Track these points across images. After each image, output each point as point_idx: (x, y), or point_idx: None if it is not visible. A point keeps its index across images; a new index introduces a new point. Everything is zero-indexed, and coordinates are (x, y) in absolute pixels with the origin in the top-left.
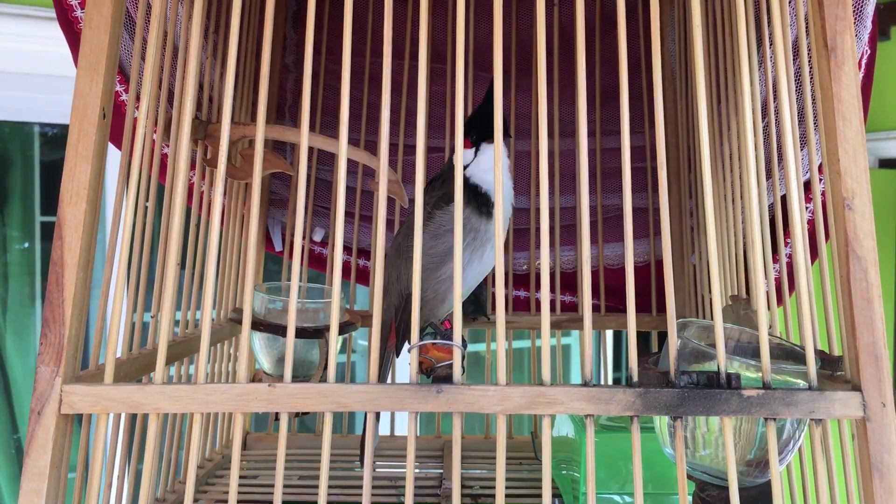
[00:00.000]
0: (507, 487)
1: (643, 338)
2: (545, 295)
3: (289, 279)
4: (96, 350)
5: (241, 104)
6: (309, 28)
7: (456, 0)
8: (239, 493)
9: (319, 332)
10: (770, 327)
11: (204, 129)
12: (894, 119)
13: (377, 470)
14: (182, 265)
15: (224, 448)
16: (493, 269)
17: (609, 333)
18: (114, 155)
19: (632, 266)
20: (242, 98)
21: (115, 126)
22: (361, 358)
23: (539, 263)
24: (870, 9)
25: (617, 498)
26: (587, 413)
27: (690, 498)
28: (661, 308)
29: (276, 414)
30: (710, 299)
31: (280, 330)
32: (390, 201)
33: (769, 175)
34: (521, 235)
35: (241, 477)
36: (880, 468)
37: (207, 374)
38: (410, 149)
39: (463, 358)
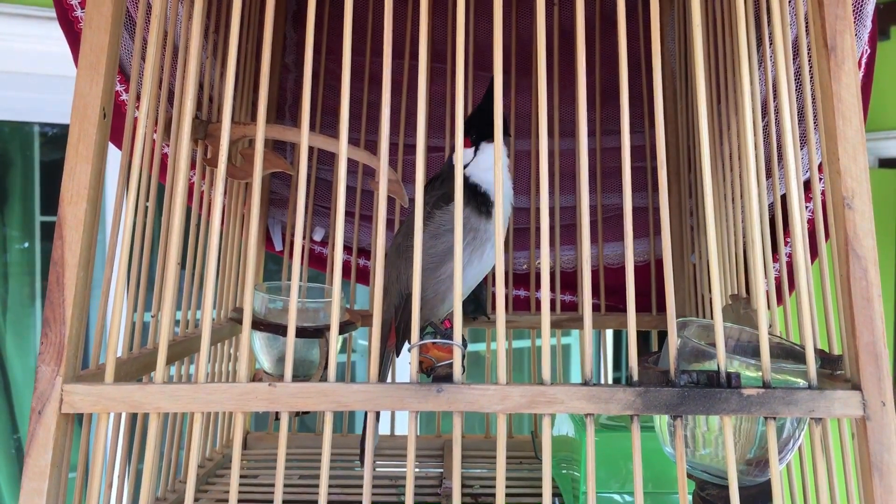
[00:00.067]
0: (507, 486)
1: (643, 337)
2: (545, 294)
3: (289, 279)
4: (97, 350)
5: (242, 104)
6: (309, 28)
7: (456, 0)
8: (239, 492)
9: (320, 332)
10: (770, 326)
11: (204, 129)
12: (894, 119)
13: (377, 469)
14: (182, 265)
15: (224, 447)
16: (493, 269)
17: (609, 333)
18: (114, 155)
19: (632, 265)
20: (242, 97)
21: (116, 126)
22: (361, 357)
23: (539, 263)
24: (869, 8)
25: (617, 497)
26: (587, 412)
27: (690, 497)
28: (661, 307)
29: (277, 413)
30: (710, 298)
31: (280, 329)
32: (390, 201)
33: (769, 174)
34: (521, 235)
35: (241, 476)
36: (880, 467)
37: (208, 374)
38: (410, 148)
39: (463, 357)
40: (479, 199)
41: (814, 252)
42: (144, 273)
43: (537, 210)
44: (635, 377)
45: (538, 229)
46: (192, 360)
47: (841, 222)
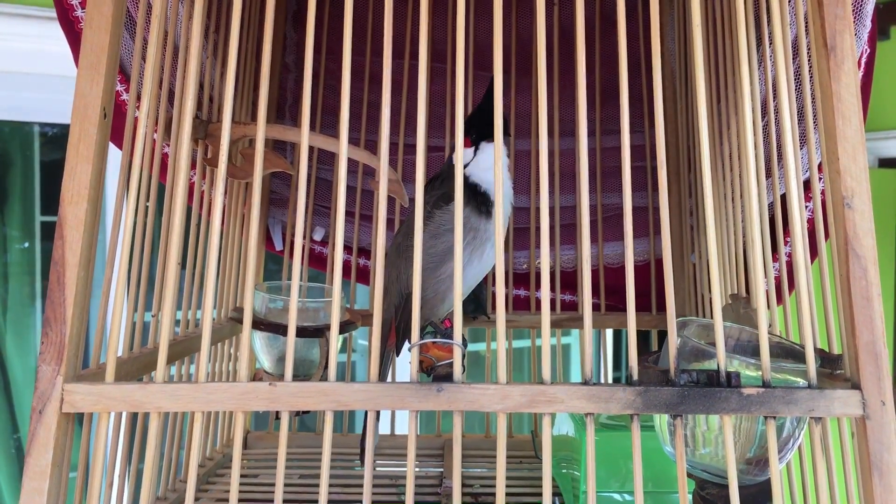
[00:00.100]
0: (507, 486)
1: (643, 337)
2: (545, 294)
3: (289, 278)
4: (97, 349)
5: (242, 103)
6: (309, 28)
7: (456, 0)
8: (240, 491)
9: (320, 332)
10: (770, 326)
11: (204, 129)
12: (894, 118)
13: (378, 469)
14: (183, 264)
15: (225, 447)
16: (493, 268)
17: (609, 332)
18: (114, 154)
19: (632, 265)
20: (243, 97)
21: (116, 126)
22: (361, 357)
23: (539, 262)
24: (869, 8)
25: (617, 496)
26: (587, 411)
27: (690, 496)
28: (661, 307)
29: (277, 413)
30: (710, 298)
31: (280, 329)
32: (390, 200)
33: (769, 174)
34: (521, 234)
35: (241, 476)
36: (880, 466)
37: (208, 374)
38: (410, 148)
39: (463, 357)
40: (478, 199)
41: (813, 252)
42: (145, 273)
43: (537, 209)
44: (635, 376)
45: (538, 229)
46: (192, 360)
47: (841, 222)
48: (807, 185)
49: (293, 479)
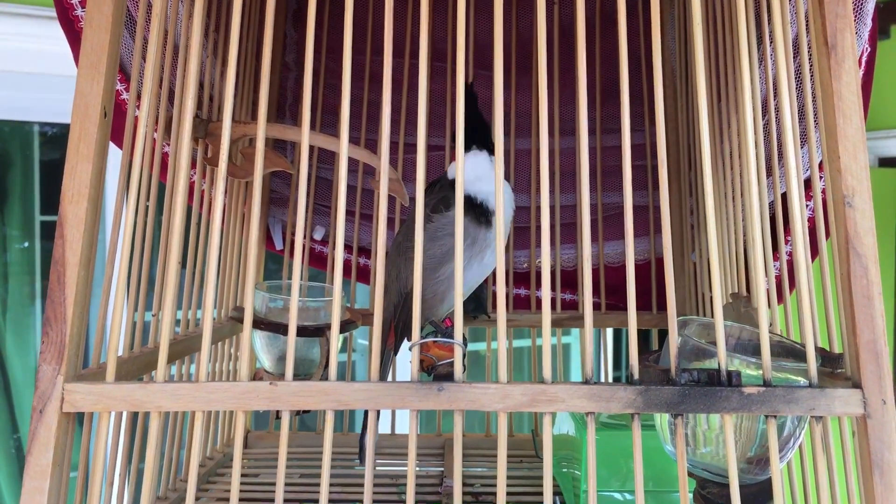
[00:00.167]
0: (507, 485)
1: (643, 336)
2: (546, 293)
3: (289, 278)
4: (97, 349)
5: (242, 102)
6: (309, 27)
7: None
8: (240, 491)
9: (320, 331)
10: (770, 325)
11: (204, 128)
12: (894, 118)
13: (378, 468)
14: (183, 264)
15: (225, 446)
16: (494, 268)
17: (609, 331)
18: (115, 154)
19: (632, 264)
20: (243, 96)
21: (116, 125)
22: (361, 357)
23: (539, 261)
24: (870, 6)
25: (618, 495)
26: (588, 411)
27: (691, 495)
28: (662, 306)
29: (277, 412)
30: (711, 297)
31: (281, 328)
32: (391, 199)
33: (769, 173)
34: (522, 233)
35: (242, 475)
36: (881, 465)
37: (209, 373)
38: (411, 147)
39: (464, 356)
40: (476, 210)
41: (814, 250)
42: (145, 272)
43: (538, 209)
44: (636, 376)
45: (538, 228)
46: (192, 360)
47: (841, 220)
48: (807, 183)
49: (294, 478)
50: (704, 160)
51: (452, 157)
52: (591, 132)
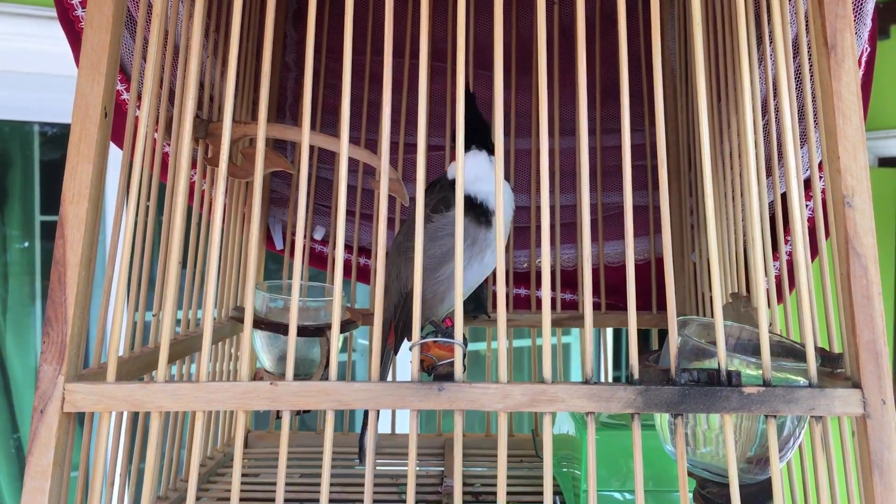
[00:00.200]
0: (508, 485)
1: (643, 336)
2: (546, 293)
3: (289, 277)
4: (98, 349)
5: (242, 102)
6: (310, 27)
7: None
8: (241, 490)
9: (320, 331)
10: (770, 325)
11: (205, 128)
12: (894, 118)
13: (378, 468)
14: (183, 264)
15: (226, 446)
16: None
17: (609, 331)
18: (115, 154)
19: (632, 264)
20: (243, 96)
21: (117, 125)
22: (361, 357)
23: (539, 261)
24: (869, 7)
25: (618, 495)
26: (588, 410)
27: (691, 495)
28: (662, 306)
29: (278, 412)
30: (711, 297)
31: (281, 328)
32: (391, 200)
33: (769, 173)
34: (522, 233)
35: (242, 475)
36: (880, 465)
37: (209, 373)
38: (411, 147)
39: (464, 356)
40: (477, 210)
41: (814, 250)
42: (145, 272)
43: (538, 209)
44: (636, 375)
45: (538, 228)
46: (193, 360)
47: (841, 220)
48: (807, 183)
49: (294, 478)
50: (704, 160)
51: (452, 157)
52: (591, 132)
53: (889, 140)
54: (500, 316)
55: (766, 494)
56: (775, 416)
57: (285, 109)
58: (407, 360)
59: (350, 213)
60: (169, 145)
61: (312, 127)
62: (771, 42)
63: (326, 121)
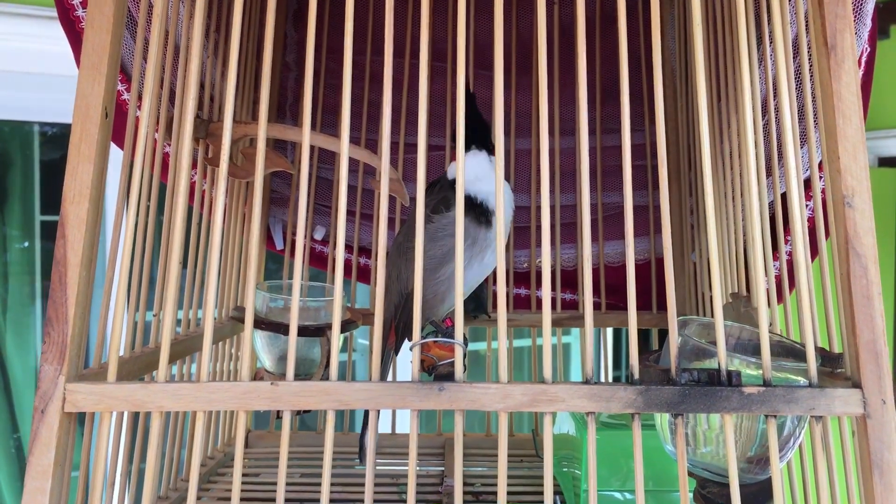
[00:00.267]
0: (508, 485)
1: (643, 335)
2: (546, 292)
3: (290, 278)
4: (99, 349)
5: (242, 102)
6: (310, 27)
7: None
8: (241, 490)
9: (321, 331)
10: (770, 325)
11: (205, 128)
12: (894, 117)
13: (379, 468)
14: (184, 264)
15: (226, 446)
16: (494, 268)
17: (609, 331)
18: (115, 154)
19: (632, 264)
20: (243, 96)
21: (117, 125)
22: (362, 357)
23: (540, 261)
24: (869, 7)
25: (618, 495)
26: (589, 410)
27: (691, 495)
28: (662, 306)
29: (278, 412)
30: (711, 297)
31: (282, 328)
32: (391, 200)
33: (769, 173)
34: (522, 233)
35: (243, 475)
36: (880, 465)
37: (210, 373)
38: (411, 147)
39: (464, 356)
40: (477, 210)
41: (814, 250)
42: (146, 272)
43: (538, 208)
44: (636, 375)
45: (538, 228)
46: (193, 360)
47: (841, 220)
48: (807, 183)
49: (294, 477)
50: (704, 160)
51: (452, 157)
52: (591, 132)
53: (889, 140)
54: (501, 316)
55: (766, 494)
56: (775, 416)
57: (285, 109)
58: (407, 360)
59: (350, 213)
60: (169, 145)
61: (313, 127)
62: (771, 42)
63: (326, 121)
